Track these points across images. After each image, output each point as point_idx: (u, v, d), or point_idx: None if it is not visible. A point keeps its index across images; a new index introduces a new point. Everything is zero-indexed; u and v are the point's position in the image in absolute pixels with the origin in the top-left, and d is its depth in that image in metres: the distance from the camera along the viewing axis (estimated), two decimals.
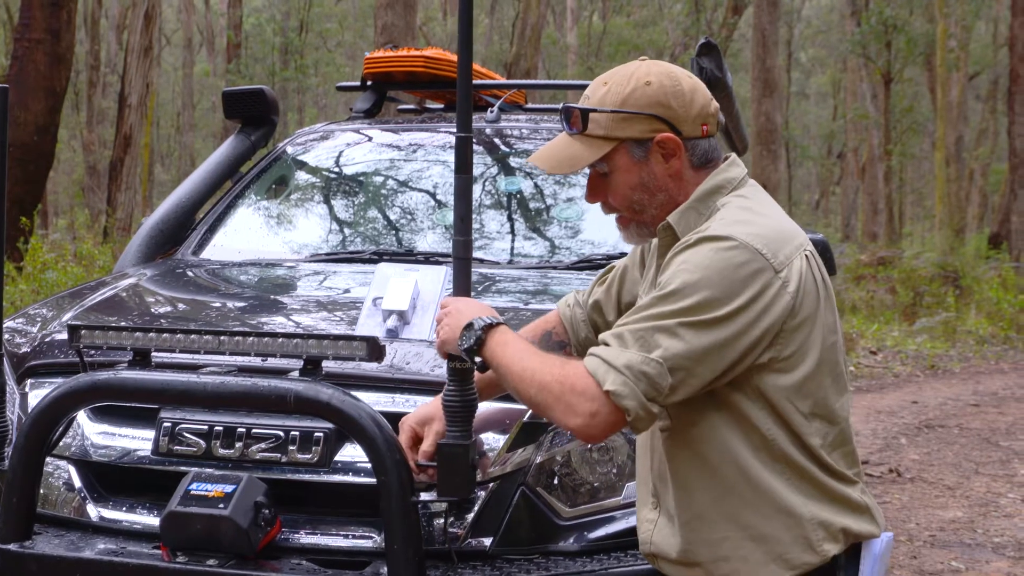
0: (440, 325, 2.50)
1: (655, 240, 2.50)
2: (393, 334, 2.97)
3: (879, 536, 2.39)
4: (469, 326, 2.39)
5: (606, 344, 2.23)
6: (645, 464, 2.50)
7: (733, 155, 2.49)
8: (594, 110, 2.40)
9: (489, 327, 2.38)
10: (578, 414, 2.20)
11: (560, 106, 2.51)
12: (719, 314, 2.18)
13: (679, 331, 2.17)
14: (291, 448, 2.87)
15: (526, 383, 2.29)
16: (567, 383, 2.22)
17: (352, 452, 2.87)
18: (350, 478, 2.87)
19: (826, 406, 2.30)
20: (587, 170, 2.49)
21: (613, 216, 2.52)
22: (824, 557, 2.29)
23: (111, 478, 3.08)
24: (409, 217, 4.68)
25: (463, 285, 2.57)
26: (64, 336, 3.18)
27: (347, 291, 4.01)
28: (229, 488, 2.74)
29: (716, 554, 2.31)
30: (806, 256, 2.30)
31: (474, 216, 4.48)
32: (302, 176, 5.13)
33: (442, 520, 2.79)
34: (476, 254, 4.22)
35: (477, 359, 2.41)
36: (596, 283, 2.80)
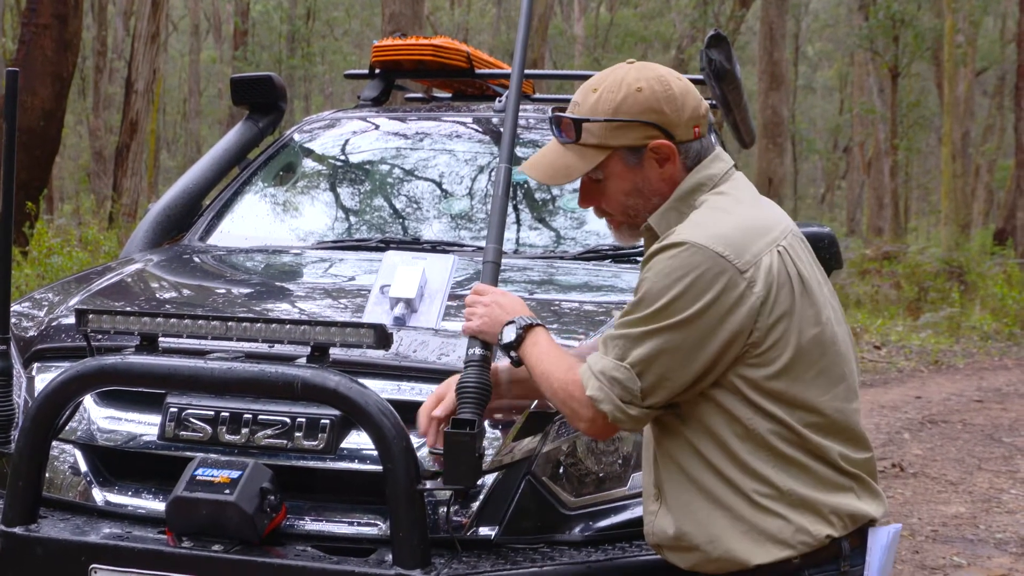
0: (475, 312, 2.60)
1: None
2: (400, 322, 2.98)
3: (878, 517, 2.42)
4: (511, 323, 2.50)
5: (598, 350, 2.35)
6: (647, 455, 2.54)
7: (717, 150, 2.49)
8: (587, 120, 2.40)
9: (528, 327, 2.50)
10: (580, 418, 2.37)
11: (550, 114, 2.51)
12: (679, 318, 2.24)
13: (644, 338, 2.27)
14: (297, 435, 2.87)
15: (543, 386, 2.46)
16: (567, 389, 2.37)
17: (358, 439, 2.87)
18: (356, 465, 2.87)
19: (806, 397, 2.32)
20: None
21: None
22: (818, 538, 2.32)
23: (117, 463, 3.08)
24: (416, 205, 4.68)
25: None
26: (71, 320, 3.18)
27: (354, 279, 4.01)
28: (235, 474, 2.74)
29: (709, 535, 2.35)
30: (778, 251, 2.31)
31: (480, 205, 4.50)
32: (309, 163, 5.13)
33: (447, 508, 2.79)
34: (482, 243, 4.22)
35: (513, 354, 2.51)
36: None
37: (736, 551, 2.32)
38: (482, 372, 2.59)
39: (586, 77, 4.64)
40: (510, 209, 4.53)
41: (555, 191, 4.56)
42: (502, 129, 2.61)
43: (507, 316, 2.54)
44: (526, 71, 5.71)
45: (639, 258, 4.08)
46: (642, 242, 2.58)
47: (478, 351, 2.61)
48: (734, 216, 2.34)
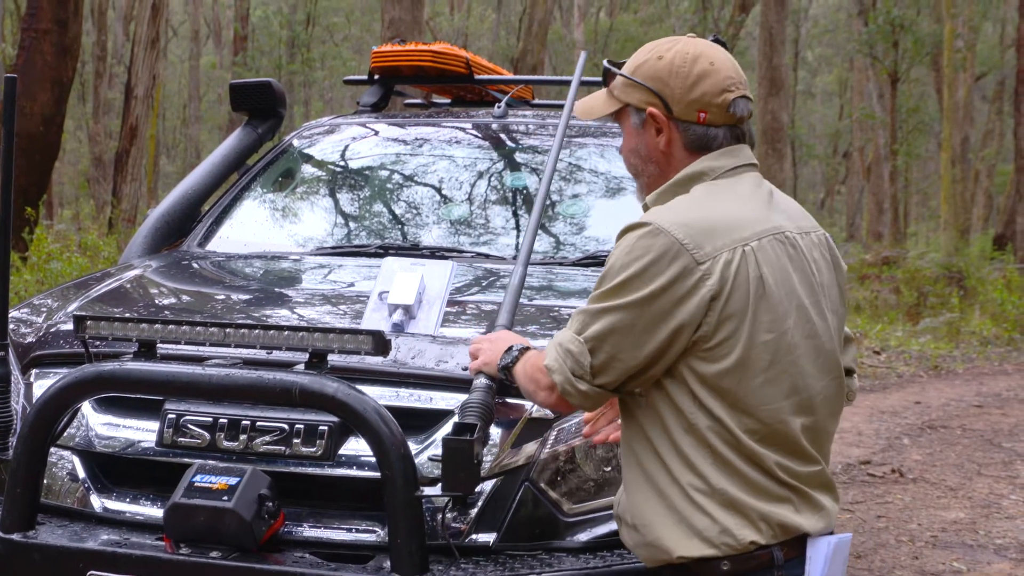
0: (480, 349, 2.70)
1: None
2: (399, 328, 2.98)
3: (812, 532, 2.36)
4: (509, 349, 2.60)
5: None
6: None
7: (735, 146, 2.47)
8: (614, 71, 2.51)
9: (524, 349, 2.58)
10: (540, 387, 2.43)
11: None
12: (632, 298, 2.26)
13: (600, 313, 2.31)
14: (295, 441, 2.87)
15: (520, 379, 2.54)
16: (536, 365, 2.45)
17: (356, 446, 2.87)
18: (354, 472, 2.86)
19: (748, 402, 2.30)
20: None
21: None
22: (742, 543, 2.30)
23: (115, 469, 3.08)
24: (415, 211, 4.68)
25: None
26: (69, 326, 3.18)
27: (352, 285, 4.01)
28: (233, 480, 2.74)
29: (644, 519, 2.37)
30: (744, 251, 2.29)
31: (480, 211, 4.51)
32: (308, 169, 5.13)
33: (445, 515, 2.79)
34: (481, 249, 4.23)
35: (508, 377, 2.60)
36: None
37: (663, 539, 2.33)
38: (486, 394, 2.65)
39: (586, 83, 4.65)
40: (510, 215, 4.54)
41: (554, 197, 4.56)
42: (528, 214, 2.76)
43: (505, 345, 2.62)
44: (526, 76, 5.71)
45: None
46: None
47: (483, 380, 2.67)
48: (708, 208, 2.35)
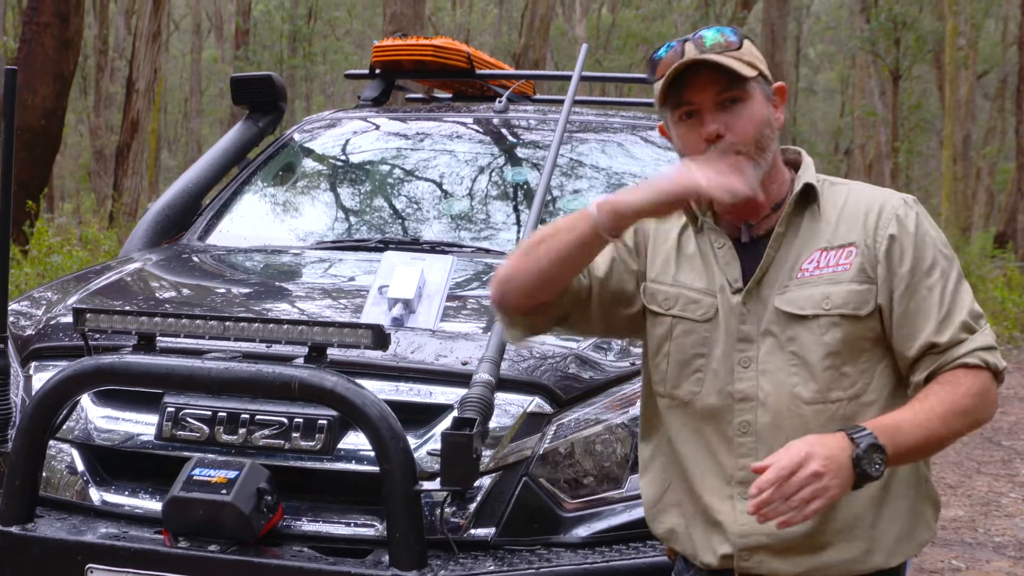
0: (817, 489, 2.04)
1: (680, 223, 2.37)
2: (398, 322, 2.98)
3: None
4: (860, 457, 2.09)
5: (960, 341, 2.30)
6: (729, 454, 2.26)
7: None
8: (748, 37, 2.31)
9: (873, 445, 2.11)
10: (994, 405, 2.40)
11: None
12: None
13: (966, 287, 2.33)
14: (294, 435, 2.86)
15: (952, 426, 2.26)
16: (977, 392, 2.33)
17: (355, 440, 2.86)
18: (353, 466, 2.86)
19: None
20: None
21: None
22: (934, 534, 2.34)
23: (114, 462, 3.08)
24: (415, 206, 4.67)
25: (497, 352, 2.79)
26: (69, 319, 3.17)
27: (352, 279, 4.01)
28: (232, 474, 2.74)
29: (851, 535, 2.22)
30: None
31: (480, 206, 4.50)
32: (309, 163, 5.12)
33: (444, 510, 2.79)
34: (482, 244, 4.23)
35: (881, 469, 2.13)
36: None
37: (875, 553, 2.25)
38: (486, 389, 2.65)
39: (588, 79, 4.66)
40: (510, 209, 4.54)
41: (555, 192, 4.56)
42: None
43: (845, 459, 2.08)
44: (528, 72, 5.71)
45: None
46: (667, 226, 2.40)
47: (483, 376, 2.67)
48: None
